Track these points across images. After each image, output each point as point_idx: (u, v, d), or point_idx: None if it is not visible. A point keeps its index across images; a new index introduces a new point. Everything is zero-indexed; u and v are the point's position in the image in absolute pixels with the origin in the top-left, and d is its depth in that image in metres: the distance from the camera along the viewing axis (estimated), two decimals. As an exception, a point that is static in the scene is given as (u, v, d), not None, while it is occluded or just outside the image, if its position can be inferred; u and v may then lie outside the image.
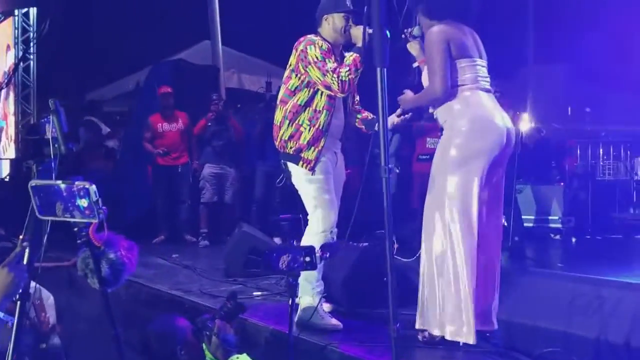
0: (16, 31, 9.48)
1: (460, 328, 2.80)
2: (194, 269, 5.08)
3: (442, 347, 2.89)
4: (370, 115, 3.48)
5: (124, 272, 2.10)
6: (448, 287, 2.86)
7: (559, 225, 7.35)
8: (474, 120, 2.91)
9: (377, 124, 3.30)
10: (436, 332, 2.91)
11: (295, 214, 5.42)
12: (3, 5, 9.30)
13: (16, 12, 9.43)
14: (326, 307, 3.65)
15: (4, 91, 9.11)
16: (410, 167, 7.90)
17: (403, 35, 3.19)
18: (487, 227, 2.99)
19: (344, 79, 3.12)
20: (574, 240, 7.11)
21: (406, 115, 3.38)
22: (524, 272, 3.15)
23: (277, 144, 3.39)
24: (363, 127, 3.50)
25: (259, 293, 4.12)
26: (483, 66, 3.05)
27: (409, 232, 5.85)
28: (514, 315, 2.80)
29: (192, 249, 6.42)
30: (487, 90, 3.03)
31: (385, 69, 2.06)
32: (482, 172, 2.88)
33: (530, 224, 7.36)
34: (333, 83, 3.13)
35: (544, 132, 9.71)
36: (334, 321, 3.28)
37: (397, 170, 8.12)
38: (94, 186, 1.62)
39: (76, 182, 1.62)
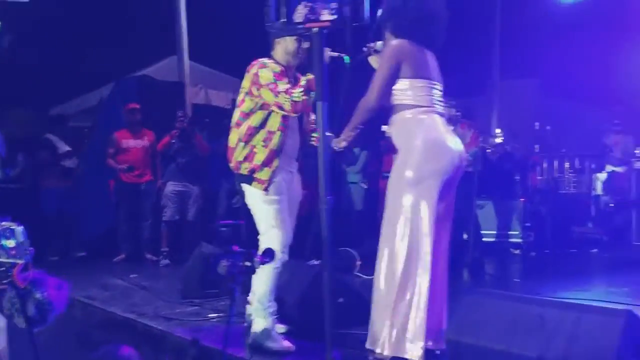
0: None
1: (405, 346, 2.82)
2: (151, 290, 5.02)
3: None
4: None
5: (52, 311, 2.08)
6: (396, 305, 2.88)
7: (519, 240, 7.47)
8: (428, 142, 2.95)
9: (333, 141, 3.37)
10: (385, 352, 2.92)
11: (236, 221, 5.50)
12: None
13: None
14: (280, 328, 3.65)
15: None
16: (377, 183, 7.97)
17: (365, 48, 3.22)
18: (439, 246, 3.04)
19: (296, 99, 3.15)
20: (533, 254, 7.23)
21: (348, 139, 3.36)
22: (470, 292, 3.17)
23: (231, 165, 3.41)
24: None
25: (215, 315, 4.08)
26: (439, 90, 3.09)
27: (373, 248, 5.90)
28: (460, 335, 2.83)
29: (153, 269, 6.37)
30: (441, 114, 3.07)
31: (325, 103, 2.06)
32: (435, 193, 2.92)
33: (492, 239, 7.47)
34: (285, 103, 3.17)
35: (508, 148, 9.91)
36: (287, 343, 3.29)
37: (365, 186, 8.20)
38: (21, 227, 1.61)
39: (2, 223, 1.60)
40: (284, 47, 3.32)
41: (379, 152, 7.92)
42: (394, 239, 2.93)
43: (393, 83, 2.97)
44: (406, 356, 2.84)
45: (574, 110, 11.19)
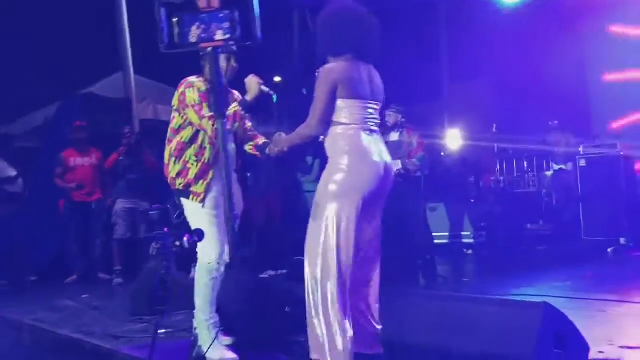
0: None
1: (334, 353, 2.86)
2: (101, 309, 4.96)
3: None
4: (261, 141, 3.55)
5: None
6: (325, 313, 2.92)
7: (471, 241, 7.63)
8: (353, 158, 3.03)
9: (269, 148, 3.40)
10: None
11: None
12: None
13: None
14: (226, 340, 3.65)
15: None
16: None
17: (317, 74, 3.27)
18: (367, 253, 3.11)
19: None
20: (485, 254, 7.39)
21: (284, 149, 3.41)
22: (402, 294, 3.25)
23: (168, 181, 3.42)
24: (257, 153, 3.56)
25: (163, 330, 4.05)
26: (374, 108, 3.15)
27: None
28: (396, 336, 2.89)
29: (106, 288, 6.27)
30: (373, 132, 3.14)
31: (224, 121, 2.08)
32: (358, 205, 3.00)
33: (445, 241, 7.61)
34: (208, 129, 3.23)
35: (462, 151, 10.10)
36: (230, 354, 3.29)
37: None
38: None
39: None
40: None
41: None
42: (319, 248, 2.98)
43: (333, 108, 3.02)
44: None
45: (522, 109, 11.45)
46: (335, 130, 3.07)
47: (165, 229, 2.45)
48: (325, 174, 3.08)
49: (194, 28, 2.17)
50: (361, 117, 3.07)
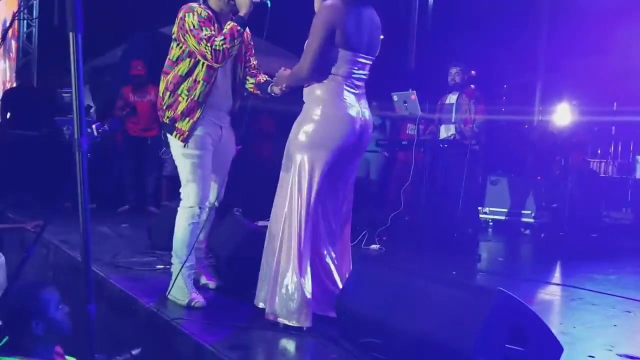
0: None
1: (292, 310, 2.73)
2: (127, 239, 5.14)
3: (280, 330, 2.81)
4: (263, 79, 3.39)
5: None
6: (280, 265, 2.79)
7: (532, 220, 7.07)
8: (326, 109, 2.85)
9: (270, 86, 3.25)
10: (264, 307, 2.84)
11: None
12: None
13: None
14: (211, 284, 3.63)
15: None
16: (395, 152, 7.78)
17: None
18: (332, 213, 2.93)
19: (217, 48, 3.05)
20: (542, 236, 6.82)
21: (284, 89, 3.23)
22: (371, 265, 3.03)
23: (159, 114, 3.36)
24: (258, 92, 3.41)
25: (162, 266, 4.10)
26: (364, 63, 2.92)
27: (384, 218, 5.78)
28: (346, 303, 2.70)
29: (148, 221, 6.46)
30: (357, 87, 2.91)
31: (79, 35, 1.94)
32: (328, 158, 2.84)
33: (502, 217, 7.12)
34: (207, 52, 3.07)
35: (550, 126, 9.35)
36: (197, 298, 3.23)
37: (386, 154, 8.02)
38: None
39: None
40: None
41: (396, 120, 7.70)
42: (286, 197, 2.86)
43: (327, 52, 2.80)
44: (289, 322, 2.75)
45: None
46: (318, 78, 2.87)
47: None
48: (296, 122, 2.91)
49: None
50: (348, 70, 2.85)
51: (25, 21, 9.76)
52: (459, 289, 2.41)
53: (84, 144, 1.99)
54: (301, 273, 2.73)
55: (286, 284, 2.75)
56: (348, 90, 2.86)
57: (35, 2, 9.71)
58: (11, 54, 9.98)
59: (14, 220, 5.79)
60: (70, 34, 1.90)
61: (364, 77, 2.94)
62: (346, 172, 2.97)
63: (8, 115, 7.41)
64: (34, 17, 9.72)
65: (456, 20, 10.45)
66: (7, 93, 8.23)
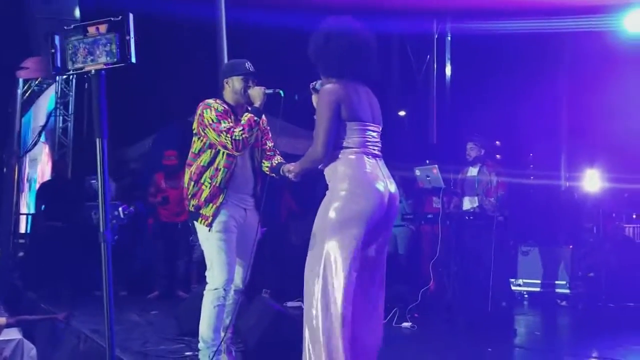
0: (56, 95, 10.25)
1: None
2: (157, 326, 5.13)
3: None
4: (276, 161, 3.49)
5: None
6: (320, 351, 2.75)
7: (567, 291, 6.87)
8: (354, 184, 2.88)
9: (282, 167, 3.33)
10: None
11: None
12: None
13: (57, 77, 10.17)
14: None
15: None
16: (419, 225, 7.73)
17: (311, 86, 3.21)
18: (370, 289, 2.91)
19: (237, 138, 3.22)
20: (579, 308, 6.59)
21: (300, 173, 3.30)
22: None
23: (184, 203, 3.48)
24: (273, 174, 3.51)
25: (190, 353, 4.07)
26: (374, 131, 3.01)
27: (415, 292, 5.69)
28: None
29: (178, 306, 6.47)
30: (375, 155, 2.98)
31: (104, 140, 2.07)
32: (360, 235, 2.83)
33: (537, 289, 6.94)
34: (227, 142, 3.24)
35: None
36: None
37: (412, 228, 7.99)
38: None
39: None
40: (231, 86, 3.44)
41: (420, 194, 7.72)
42: (318, 280, 2.84)
43: (337, 130, 2.90)
44: None
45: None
46: (335, 155, 2.93)
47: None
48: (324, 201, 2.93)
49: (80, 51, 2.27)
50: (362, 140, 2.92)
51: (61, 117, 10.26)
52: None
53: (108, 236, 2.07)
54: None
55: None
56: (369, 161, 2.91)
57: (71, 98, 10.26)
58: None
59: (46, 311, 5.87)
60: (97, 140, 2.03)
61: (378, 144, 3.00)
62: (378, 246, 2.95)
63: (42, 207, 7.65)
64: (70, 112, 10.23)
65: (474, 92, 10.65)
66: (42, 186, 8.54)
